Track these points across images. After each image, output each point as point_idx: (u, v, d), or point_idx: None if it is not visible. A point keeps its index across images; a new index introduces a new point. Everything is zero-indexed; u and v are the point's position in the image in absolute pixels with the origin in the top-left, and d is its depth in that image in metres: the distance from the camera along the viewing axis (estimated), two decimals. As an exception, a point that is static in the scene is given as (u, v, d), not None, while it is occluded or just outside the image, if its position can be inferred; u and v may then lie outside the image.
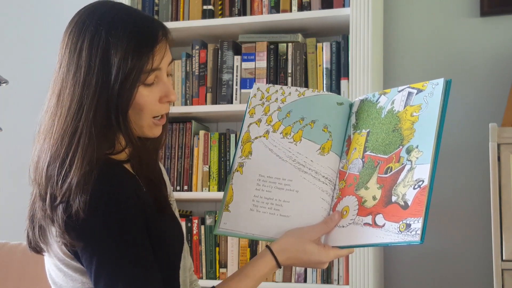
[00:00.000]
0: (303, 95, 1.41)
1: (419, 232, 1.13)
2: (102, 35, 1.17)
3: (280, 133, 1.38)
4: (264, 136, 1.39)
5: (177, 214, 1.38)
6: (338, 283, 2.38)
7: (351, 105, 1.39)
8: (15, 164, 3.04)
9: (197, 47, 2.61)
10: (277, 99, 1.42)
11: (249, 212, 1.33)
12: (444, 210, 2.50)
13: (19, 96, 3.04)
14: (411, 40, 2.62)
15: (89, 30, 1.19)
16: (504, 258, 2.02)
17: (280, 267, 1.27)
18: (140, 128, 1.24)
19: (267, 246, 1.28)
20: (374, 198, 1.23)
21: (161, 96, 1.23)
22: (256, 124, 1.41)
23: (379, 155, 1.27)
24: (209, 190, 2.55)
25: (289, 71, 2.49)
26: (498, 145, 2.06)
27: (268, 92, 1.44)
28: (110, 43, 1.17)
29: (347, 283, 2.34)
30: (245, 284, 1.24)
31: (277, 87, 1.44)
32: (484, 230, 2.35)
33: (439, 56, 2.58)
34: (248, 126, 1.41)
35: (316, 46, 2.48)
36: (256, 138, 1.39)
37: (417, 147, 1.21)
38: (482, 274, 2.42)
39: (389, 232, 1.18)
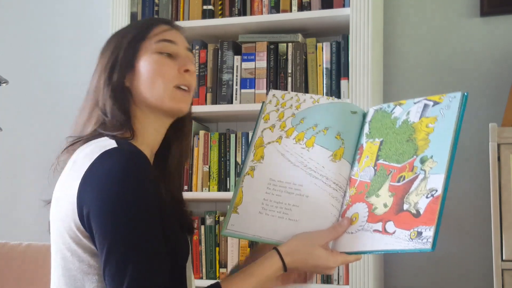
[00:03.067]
0: (318, 102, 1.42)
1: (430, 240, 1.14)
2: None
3: (293, 139, 1.38)
4: (277, 141, 1.39)
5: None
6: (338, 283, 2.38)
7: (364, 115, 1.40)
8: (15, 164, 3.04)
9: (197, 47, 2.61)
10: (291, 105, 1.43)
11: (258, 214, 1.33)
12: (444, 210, 2.50)
13: (19, 96, 3.04)
14: (411, 40, 2.62)
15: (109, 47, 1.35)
16: (504, 258, 2.02)
17: (286, 270, 1.26)
18: (162, 99, 1.28)
19: (274, 248, 1.28)
20: (385, 205, 1.23)
21: (179, 66, 1.30)
22: (270, 129, 1.42)
23: (392, 164, 1.27)
24: (209, 190, 2.55)
25: (289, 71, 2.49)
26: (498, 145, 2.06)
27: (283, 99, 1.45)
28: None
29: (347, 283, 2.34)
30: (250, 282, 1.24)
31: (292, 94, 1.45)
32: (484, 230, 2.35)
33: (439, 56, 2.58)
34: (262, 131, 1.42)
35: (316, 46, 2.48)
36: (269, 143, 1.40)
37: (431, 157, 1.21)
38: (482, 274, 2.42)
39: (399, 239, 1.18)
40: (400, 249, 1.17)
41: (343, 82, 2.43)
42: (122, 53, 1.29)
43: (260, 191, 1.35)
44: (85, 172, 1.17)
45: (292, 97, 1.44)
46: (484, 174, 2.29)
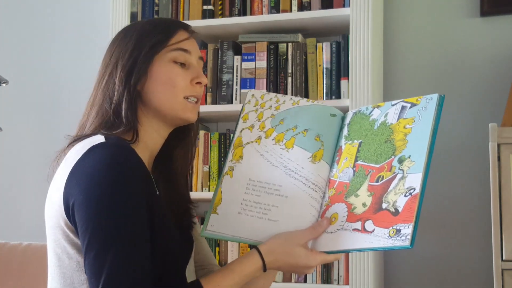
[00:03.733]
0: (297, 104, 1.42)
1: (409, 237, 1.15)
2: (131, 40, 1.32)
3: (273, 139, 1.38)
4: (256, 142, 1.39)
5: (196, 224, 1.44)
6: (338, 283, 2.38)
7: (343, 118, 1.41)
8: (15, 164, 3.04)
9: (197, 47, 2.61)
10: (271, 106, 1.43)
11: (237, 215, 1.33)
12: (444, 210, 2.50)
13: (19, 96, 3.05)
14: (411, 40, 2.62)
15: (120, 43, 1.32)
16: (504, 258, 2.02)
17: (265, 270, 1.26)
18: (173, 108, 1.29)
19: (255, 247, 1.28)
20: (364, 205, 1.25)
21: (192, 77, 1.31)
22: (249, 129, 1.41)
23: (370, 164, 1.28)
24: (209, 190, 2.55)
25: (289, 71, 2.49)
26: (498, 145, 2.06)
27: (262, 99, 1.45)
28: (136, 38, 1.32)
29: (347, 283, 2.34)
30: (229, 279, 1.24)
31: (272, 94, 1.45)
32: (484, 230, 2.35)
33: (439, 56, 2.58)
34: (241, 131, 1.42)
35: (316, 46, 2.48)
36: (248, 143, 1.40)
37: (409, 157, 1.23)
38: (482, 274, 2.42)
39: (379, 237, 1.19)
40: (379, 247, 1.19)
41: (343, 82, 2.43)
42: (142, 56, 1.28)
43: (240, 191, 1.35)
44: (72, 167, 1.18)
45: (271, 98, 1.44)
46: (484, 174, 2.29)
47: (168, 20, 1.37)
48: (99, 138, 1.22)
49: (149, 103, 1.30)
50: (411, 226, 1.16)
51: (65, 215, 1.18)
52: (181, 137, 1.39)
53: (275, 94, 1.45)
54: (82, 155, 1.19)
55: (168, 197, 1.35)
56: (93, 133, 1.26)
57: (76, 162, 1.18)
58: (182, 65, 1.31)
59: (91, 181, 1.14)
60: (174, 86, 1.29)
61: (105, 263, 1.10)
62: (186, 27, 1.35)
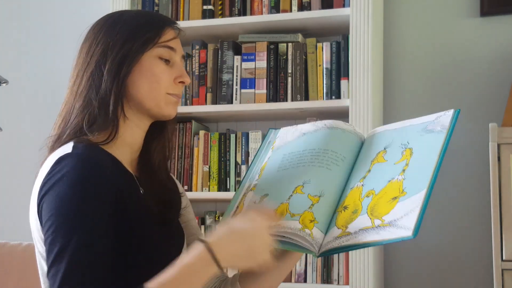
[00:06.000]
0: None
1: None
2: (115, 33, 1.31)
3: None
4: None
5: (192, 218, 1.45)
6: (338, 283, 2.38)
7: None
8: (15, 164, 3.04)
9: (197, 47, 2.61)
10: (295, 130, 1.42)
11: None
12: (444, 210, 2.50)
13: (19, 96, 3.05)
14: (411, 40, 2.63)
15: (103, 34, 1.31)
16: (504, 258, 2.02)
17: (217, 261, 1.11)
18: (155, 103, 1.29)
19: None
20: None
21: (176, 76, 1.32)
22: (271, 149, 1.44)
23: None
24: (209, 190, 2.55)
25: (289, 71, 2.49)
26: (498, 145, 2.06)
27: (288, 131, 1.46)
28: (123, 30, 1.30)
29: (347, 283, 2.34)
30: (171, 273, 1.11)
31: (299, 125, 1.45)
32: (484, 230, 2.35)
33: (439, 56, 2.59)
34: (268, 158, 1.42)
35: (316, 46, 2.48)
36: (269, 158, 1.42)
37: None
38: (482, 274, 2.42)
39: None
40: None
41: (343, 82, 2.43)
42: (133, 51, 1.28)
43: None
44: (42, 181, 1.20)
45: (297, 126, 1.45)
46: (484, 174, 2.29)
47: (156, 16, 1.36)
48: (67, 149, 1.22)
49: (132, 96, 1.30)
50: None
51: (40, 227, 1.20)
52: (156, 130, 1.39)
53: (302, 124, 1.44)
54: (50, 168, 1.20)
55: (153, 193, 1.33)
56: (70, 138, 1.27)
57: (45, 176, 1.20)
58: (167, 61, 1.32)
59: (55, 194, 1.16)
60: (158, 82, 1.29)
61: (60, 268, 1.10)
62: (173, 24, 1.35)
